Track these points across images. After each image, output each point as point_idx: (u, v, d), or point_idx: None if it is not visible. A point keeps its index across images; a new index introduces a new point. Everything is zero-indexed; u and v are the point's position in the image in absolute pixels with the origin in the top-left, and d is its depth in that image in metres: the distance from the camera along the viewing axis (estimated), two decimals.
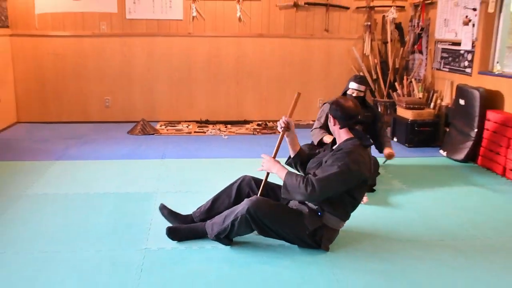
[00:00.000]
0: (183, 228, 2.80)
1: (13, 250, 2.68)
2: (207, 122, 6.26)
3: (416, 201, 3.58)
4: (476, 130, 4.56)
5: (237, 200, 2.80)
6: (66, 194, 3.58)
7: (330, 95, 5.80)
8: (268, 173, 2.74)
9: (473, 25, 4.89)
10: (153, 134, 5.64)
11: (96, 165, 4.33)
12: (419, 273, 2.50)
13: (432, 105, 5.52)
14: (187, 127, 6.01)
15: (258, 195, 2.68)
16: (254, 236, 2.79)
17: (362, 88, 3.83)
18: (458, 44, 5.18)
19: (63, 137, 5.40)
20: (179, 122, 6.24)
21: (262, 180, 2.79)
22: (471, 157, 4.61)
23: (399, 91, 5.99)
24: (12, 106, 6.01)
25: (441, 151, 4.97)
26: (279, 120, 2.76)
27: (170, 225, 2.86)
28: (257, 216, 2.54)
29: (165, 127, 5.95)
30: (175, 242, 2.77)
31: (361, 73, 3.87)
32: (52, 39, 6.00)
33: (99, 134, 5.58)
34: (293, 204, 2.74)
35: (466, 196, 3.72)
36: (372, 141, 3.65)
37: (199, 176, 4.06)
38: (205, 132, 5.76)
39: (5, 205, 3.32)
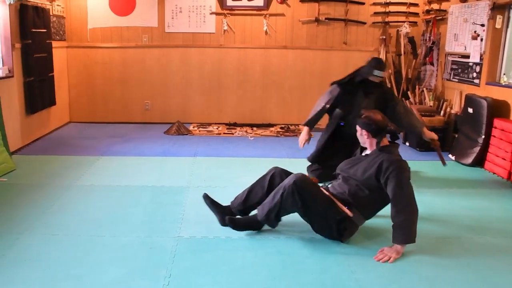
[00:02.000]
0: (241, 219, 2.79)
1: (64, 233, 2.74)
2: (235, 125, 6.26)
3: (426, 201, 3.48)
4: (483, 136, 4.41)
5: (270, 190, 2.73)
6: (110, 185, 3.64)
7: None
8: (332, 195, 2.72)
9: (481, 39, 4.74)
10: (186, 134, 5.68)
11: (136, 161, 4.39)
12: (428, 268, 2.43)
13: (442, 112, 5.37)
14: (217, 128, 6.03)
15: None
16: (276, 229, 2.77)
17: (385, 73, 3.59)
18: (467, 57, 5.02)
19: (108, 135, 5.50)
20: (210, 124, 6.27)
21: (290, 172, 2.76)
22: (478, 162, 4.46)
23: (411, 99, 5.86)
24: (66, 107, 6.16)
25: (450, 155, 4.82)
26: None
27: (225, 216, 2.79)
28: (301, 187, 2.53)
29: (197, 128, 5.99)
30: (204, 231, 2.77)
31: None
32: (101, 50, 6.12)
33: (139, 134, 5.65)
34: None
35: (473, 198, 3.60)
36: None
37: (227, 173, 4.06)
38: (233, 134, 5.77)
39: (57, 194, 3.40)
